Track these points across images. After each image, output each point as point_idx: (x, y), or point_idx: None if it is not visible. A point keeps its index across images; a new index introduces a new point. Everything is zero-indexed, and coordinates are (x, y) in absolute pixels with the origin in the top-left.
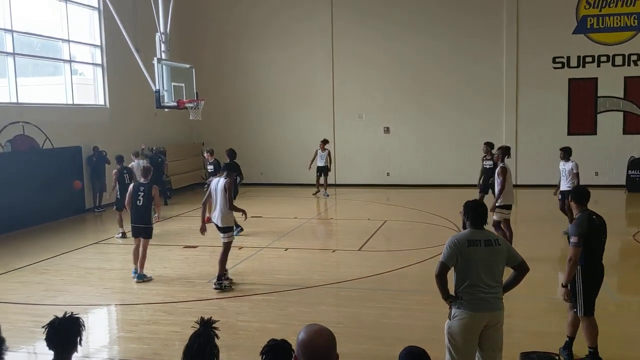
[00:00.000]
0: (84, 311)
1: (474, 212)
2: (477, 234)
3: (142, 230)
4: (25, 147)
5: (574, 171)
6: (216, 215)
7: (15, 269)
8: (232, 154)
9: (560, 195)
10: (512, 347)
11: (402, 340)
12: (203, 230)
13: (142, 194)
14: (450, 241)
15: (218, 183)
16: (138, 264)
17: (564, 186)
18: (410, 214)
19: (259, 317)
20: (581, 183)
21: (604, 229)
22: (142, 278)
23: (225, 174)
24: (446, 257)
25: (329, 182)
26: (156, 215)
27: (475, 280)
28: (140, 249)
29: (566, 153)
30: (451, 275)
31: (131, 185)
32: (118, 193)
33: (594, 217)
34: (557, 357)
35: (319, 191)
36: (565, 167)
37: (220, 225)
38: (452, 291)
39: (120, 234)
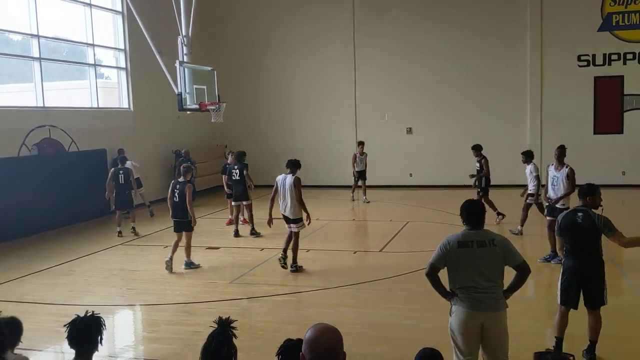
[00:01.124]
0: (108, 312)
1: (467, 212)
2: (470, 235)
3: (183, 224)
4: (52, 150)
5: (534, 174)
6: (287, 209)
7: (41, 270)
8: (238, 154)
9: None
10: (528, 348)
11: (420, 342)
12: (270, 222)
13: (178, 191)
14: (442, 242)
15: (285, 180)
16: (184, 253)
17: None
18: (433, 215)
19: (279, 318)
20: (608, 182)
21: (591, 227)
22: (189, 265)
23: (289, 170)
24: (435, 258)
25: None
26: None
27: (467, 281)
28: (184, 240)
29: (528, 157)
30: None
31: (172, 183)
32: (114, 193)
33: (579, 214)
34: (571, 358)
35: (353, 198)
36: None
37: (291, 217)
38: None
39: (117, 233)
